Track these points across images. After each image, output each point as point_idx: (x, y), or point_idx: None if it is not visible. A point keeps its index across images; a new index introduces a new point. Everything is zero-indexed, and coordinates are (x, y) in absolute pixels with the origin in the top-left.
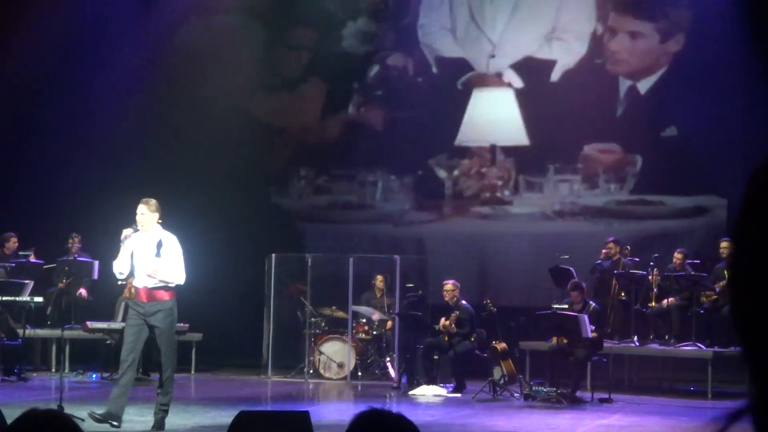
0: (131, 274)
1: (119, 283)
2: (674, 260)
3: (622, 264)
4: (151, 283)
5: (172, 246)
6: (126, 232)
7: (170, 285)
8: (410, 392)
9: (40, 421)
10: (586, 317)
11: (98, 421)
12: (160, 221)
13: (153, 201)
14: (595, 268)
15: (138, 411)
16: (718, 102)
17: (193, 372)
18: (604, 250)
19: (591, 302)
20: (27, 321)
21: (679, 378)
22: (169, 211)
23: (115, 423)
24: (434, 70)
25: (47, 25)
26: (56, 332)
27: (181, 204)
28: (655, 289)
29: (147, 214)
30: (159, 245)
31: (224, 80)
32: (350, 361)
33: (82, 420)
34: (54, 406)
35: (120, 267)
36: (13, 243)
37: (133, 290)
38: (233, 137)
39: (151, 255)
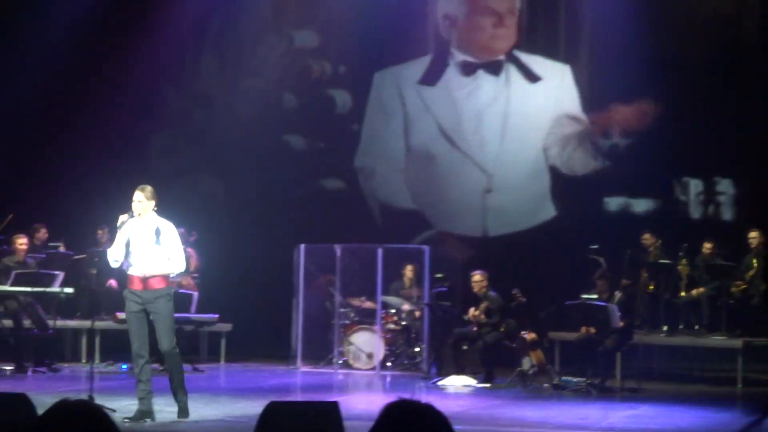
0: (126, 262)
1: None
2: (703, 250)
3: (654, 255)
4: (147, 272)
5: (172, 234)
6: (122, 218)
7: (167, 273)
8: (439, 382)
9: (71, 412)
10: (615, 307)
11: (134, 420)
12: (155, 208)
13: (149, 187)
14: (628, 259)
15: (168, 402)
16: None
17: (222, 362)
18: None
19: (617, 291)
20: (57, 312)
21: (709, 368)
22: (199, 203)
23: (148, 420)
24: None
25: (75, 16)
26: (86, 323)
27: (210, 196)
28: (684, 280)
29: (144, 201)
30: (157, 233)
31: (254, 73)
32: (379, 352)
33: (113, 411)
34: (85, 397)
35: (115, 255)
36: (42, 234)
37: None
38: (263, 129)
39: (150, 242)
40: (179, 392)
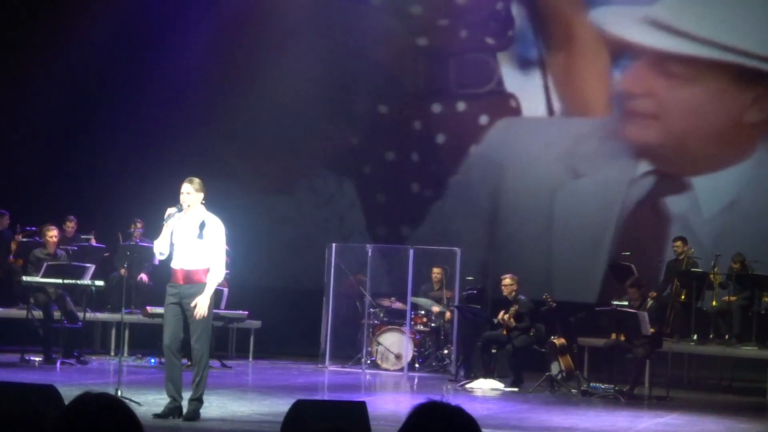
0: (171, 255)
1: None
2: (735, 259)
3: (685, 262)
4: (189, 265)
5: (216, 229)
6: (170, 210)
7: (209, 267)
8: (467, 385)
9: (93, 405)
10: (645, 315)
11: (162, 416)
12: (203, 202)
13: (197, 180)
14: (660, 266)
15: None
16: None
17: (251, 359)
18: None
19: (648, 299)
20: (87, 304)
21: (738, 378)
22: (231, 200)
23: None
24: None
25: (113, 10)
26: (116, 316)
27: (242, 192)
28: (716, 289)
29: (192, 193)
30: (201, 226)
31: (288, 71)
32: (408, 353)
33: (140, 404)
34: (112, 389)
35: (160, 247)
36: (69, 225)
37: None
38: (294, 126)
39: (192, 236)
40: (193, 399)
